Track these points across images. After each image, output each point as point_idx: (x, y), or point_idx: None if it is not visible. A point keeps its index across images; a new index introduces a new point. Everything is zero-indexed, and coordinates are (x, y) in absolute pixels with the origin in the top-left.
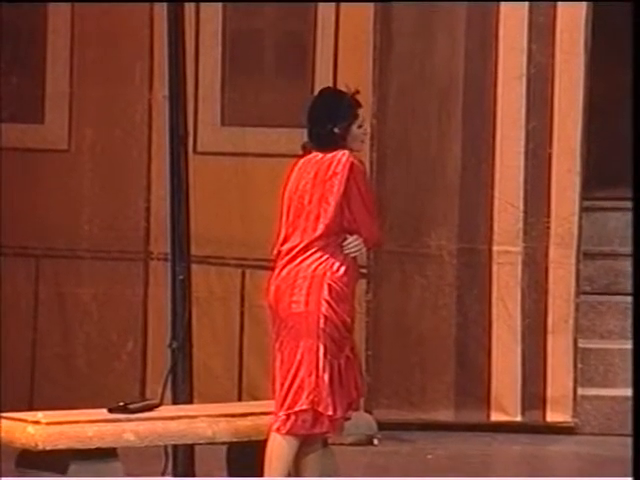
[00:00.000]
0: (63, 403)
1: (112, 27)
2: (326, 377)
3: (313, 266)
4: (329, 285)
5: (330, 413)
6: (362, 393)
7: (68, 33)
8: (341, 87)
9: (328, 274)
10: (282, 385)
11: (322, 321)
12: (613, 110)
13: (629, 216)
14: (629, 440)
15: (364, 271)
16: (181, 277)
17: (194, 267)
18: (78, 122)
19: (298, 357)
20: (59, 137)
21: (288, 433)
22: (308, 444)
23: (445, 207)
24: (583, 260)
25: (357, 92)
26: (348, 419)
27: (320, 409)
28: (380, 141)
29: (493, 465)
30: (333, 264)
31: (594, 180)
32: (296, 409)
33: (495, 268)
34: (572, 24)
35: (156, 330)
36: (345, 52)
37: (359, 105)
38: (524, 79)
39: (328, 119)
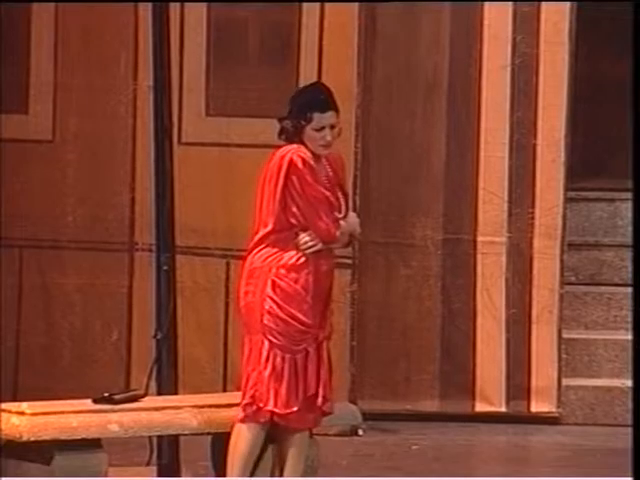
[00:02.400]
0: (47, 394)
1: (96, 17)
2: (266, 373)
3: (260, 261)
4: (273, 281)
5: (269, 408)
6: (328, 387)
7: (52, 23)
8: (327, 78)
9: (273, 270)
10: (241, 376)
11: (265, 317)
12: (598, 101)
13: (613, 207)
14: (613, 430)
15: (349, 261)
16: (166, 268)
17: (179, 258)
18: (62, 112)
19: (246, 351)
20: (43, 127)
21: (241, 422)
22: (290, 435)
23: (430, 197)
24: (567, 251)
25: (328, 94)
26: (328, 413)
27: (261, 404)
28: (365, 131)
29: (478, 455)
30: (280, 260)
31: (579, 171)
32: (243, 402)
33: (480, 258)
34: (556, 14)
35: (141, 321)
36: (330, 42)
37: (324, 110)
38: (509, 69)
39: (288, 113)
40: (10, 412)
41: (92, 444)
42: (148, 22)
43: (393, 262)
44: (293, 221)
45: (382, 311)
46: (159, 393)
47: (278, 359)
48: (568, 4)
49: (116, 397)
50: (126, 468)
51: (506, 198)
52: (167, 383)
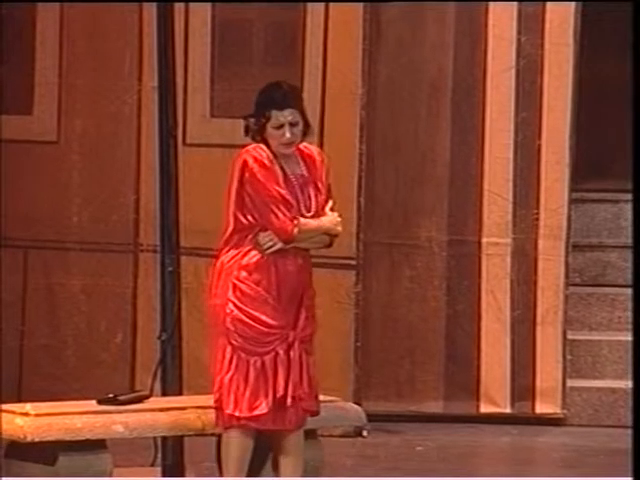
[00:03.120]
0: (52, 395)
1: (101, 18)
2: (227, 377)
3: (224, 263)
4: (233, 284)
5: (229, 412)
6: (302, 387)
7: (57, 23)
8: (332, 79)
9: (235, 272)
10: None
11: (227, 320)
12: (603, 101)
13: (618, 208)
14: (617, 431)
15: (353, 262)
16: (170, 269)
17: (183, 259)
18: (67, 113)
19: (213, 354)
20: (48, 128)
21: (216, 427)
22: (282, 438)
23: (434, 198)
24: (572, 252)
25: (292, 90)
26: (312, 413)
27: (222, 407)
28: (369, 132)
29: (482, 456)
30: (242, 261)
31: (583, 172)
32: (213, 405)
33: (484, 259)
34: (561, 14)
35: (145, 322)
36: (335, 42)
37: (282, 107)
38: (513, 70)
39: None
40: (14, 413)
41: (97, 445)
42: (153, 23)
43: (398, 263)
44: (250, 220)
45: (386, 312)
46: (164, 394)
47: (241, 362)
48: (573, 5)
49: (121, 398)
50: (131, 469)
51: (511, 199)
52: (172, 384)
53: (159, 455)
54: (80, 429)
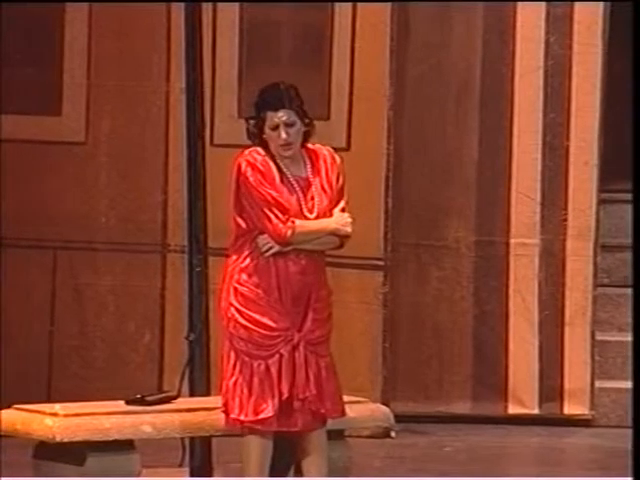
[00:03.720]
0: (80, 395)
1: (129, 18)
2: (231, 382)
3: (228, 267)
4: (234, 288)
5: (234, 416)
6: (306, 391)
7: (85, 24)
8: (359, 79)
9: (235, 277)
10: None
11: (231, 324)
12: (631, 102)
13: None
14: None
15: (380, 263)
16: (198, 269)
17: (211, 259)
18: (95, 114)
19: (221, 358)
20: (76, 129)
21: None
22: (302, 440)
23: (462, 199)
24: (600, 252)
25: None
26: (325, 415)
27: (228, 411)
28: (397, 133)
29: (510, 457)
30: (241, 265)
31: (611, 172)
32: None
33: (512, 260)
34: (590, 15)
35: (173, 322)
36: (362, 43)
37: (276, 108)
38: (541, 71)
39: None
40: (44, 413)
41: (125, 445)
42: (180, 24)
43: (425, 264)
44: (249, 224)
45: (414, 313)
46: (191, 394)
47: (245, 366)
48: (601, 5)
49: (149, 398)
50: (159, 469)
51: (539, 200)
52: (199, 384)
53: (187, 456)
54: (108, 429)
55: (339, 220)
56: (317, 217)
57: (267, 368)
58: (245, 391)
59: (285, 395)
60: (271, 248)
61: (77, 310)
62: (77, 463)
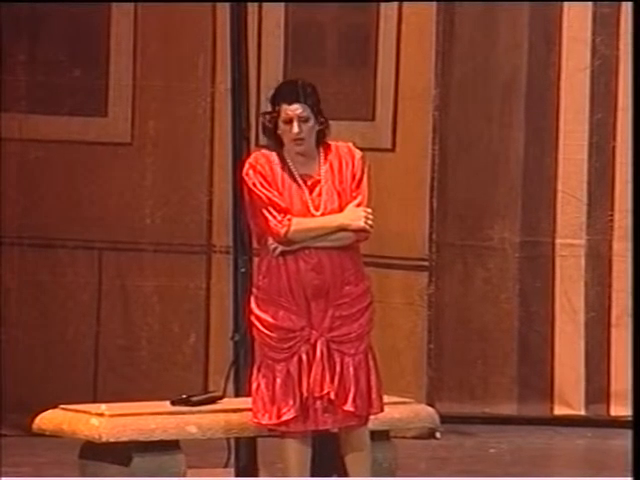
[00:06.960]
0: (126, 395)
1: (175, 20)
2: (254, 386)
3: (253, 271)
4: (253, 292)
5: (257, 420)
6: (326, 389)
7: (131, 26)
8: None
9: (254, 280)
10: None
11: (254, 329)
12: None
13: None
14: None
15: (425, 264)
16: (243, 270)
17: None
18: (141, 115)
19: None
20: (122, 130)
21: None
22: (343, 440)
23: (508, 200)
24: None
25: (299, 84)
26: (350, 412)
27: (254, 414)
28: (442, 134)
29: (556, 459)
30: (258, 267)
31: None
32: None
33: (558, 261)
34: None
35: (218, 323)
36: (407, 44)
37: (290, 101)
38: (588, 71)
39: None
40: (90, 414)
41: (170, 446)
42: (226, 25)
43: (471, 264)
44: (256, 227)
45: (459, 314)
46: (237, 395)
47: (268, 370)
48: None
49: (194, 399)
50: (204, 470)
51: (585, 200)
52: (244, 385)
53: (232, 456)
54: (154, 430)
55: (349, 215)
56: (324, 214)
57: (288, 370)
58: (268, 394)
59: (305, 395)
60: (277, 248)
61: (123, 310)
62: (123, 463)
